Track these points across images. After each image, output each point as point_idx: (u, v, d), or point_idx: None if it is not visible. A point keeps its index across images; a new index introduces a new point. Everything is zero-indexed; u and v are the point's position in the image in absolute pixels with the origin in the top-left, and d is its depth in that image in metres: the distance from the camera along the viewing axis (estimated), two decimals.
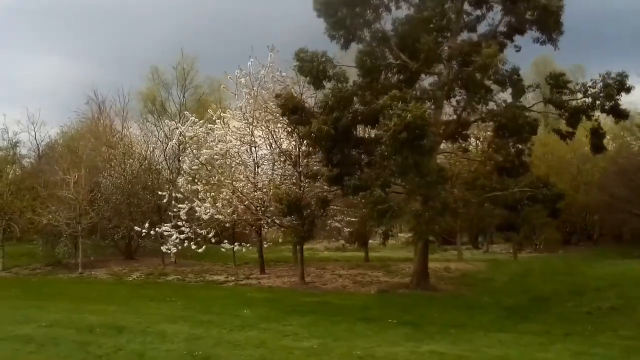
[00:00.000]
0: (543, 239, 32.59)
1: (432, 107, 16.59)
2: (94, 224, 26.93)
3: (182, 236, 21.05)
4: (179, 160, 29.18)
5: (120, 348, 10.32)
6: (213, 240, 23.12)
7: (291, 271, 24.46)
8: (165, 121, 29.78)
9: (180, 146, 29.07)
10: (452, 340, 10.70)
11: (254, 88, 21.08)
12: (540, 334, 11.50)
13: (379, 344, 10.11)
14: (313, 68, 16.62)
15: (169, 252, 21.70)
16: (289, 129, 19.30)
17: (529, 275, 20.02)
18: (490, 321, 12.93)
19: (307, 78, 17.03)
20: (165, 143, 29.34)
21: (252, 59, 21.79)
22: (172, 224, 21.71)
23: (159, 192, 25.17)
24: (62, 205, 26.26)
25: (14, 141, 34.59)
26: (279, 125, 20.65)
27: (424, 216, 14.54)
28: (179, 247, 21.51)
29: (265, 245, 24.31)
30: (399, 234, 37.52)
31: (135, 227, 23.02)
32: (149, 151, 29.24)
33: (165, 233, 21.31)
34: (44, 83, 62.24)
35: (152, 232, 22.80)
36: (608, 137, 23.74)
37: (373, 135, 17.85)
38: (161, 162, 29.73)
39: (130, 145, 30.09)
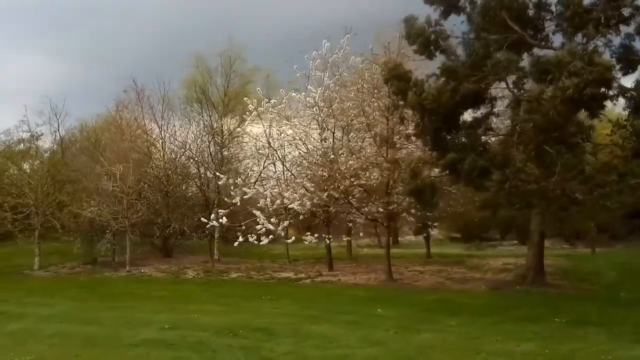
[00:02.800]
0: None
1: None
2: (142, 219, 25.05)
3: (270, 227, 19.36)
4: (221, 153, 27.57)
5: (290, 352, 8.82)
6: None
7: (358, 268, 23.04)
8: (208, 112, 28.02)
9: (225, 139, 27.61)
10: None
11: (336, 70, 19.61)
12: None
13: (611, 347, 8.68)
14: (425, 36, 15.05)
15: (258, 242, 19.93)
16: (386, 110, 17.74)
17: (634, 269, 18.83)
18: None
19: (417, 47, 15.42)
20: (210, 134, 27.57)
21: (326, 42, 20.43)
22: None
23: (219, 175, 23.46)
24: (108, 199, 24.44)
25: (37, 133, 32.39)
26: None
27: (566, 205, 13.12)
28: (270, 238, 19.86)
29: (290, 241, 22.74)
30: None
31: (202, 219, 21.21)
32: (194, 143, 27.36)
33: (258, 226, 19.61)
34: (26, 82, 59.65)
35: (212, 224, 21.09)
36: None
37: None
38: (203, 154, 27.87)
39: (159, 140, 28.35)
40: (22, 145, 34.26)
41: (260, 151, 23.27)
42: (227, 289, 18.13)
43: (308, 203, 19.72)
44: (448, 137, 15.35)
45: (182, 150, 28.81)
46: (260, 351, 8.91)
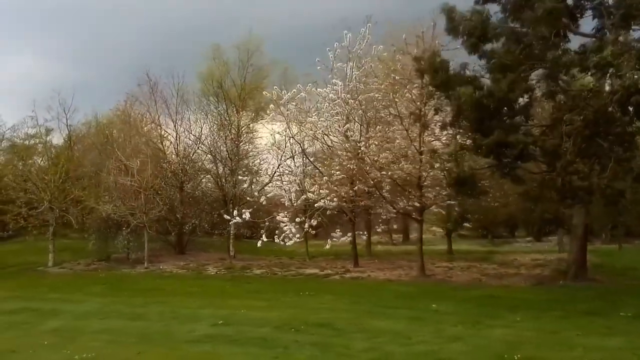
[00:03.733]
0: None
1: None
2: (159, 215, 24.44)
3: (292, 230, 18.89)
4: (237, 148, 27.04)
5: (369, 348, 8.34)
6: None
7: (382, 264, 22.58)
8: (224, 106, 27.45)
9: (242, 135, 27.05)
10: None
11: (359, 61, 19.20)
12: None
13: None
14: (473, 27, 14.58)
15: (283, 243, 19.47)
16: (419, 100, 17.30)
17: None
18: None
19: (464, 39, 14.96)
20: (227, 129, 26.96)
21: (347, 33, 20.03)
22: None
23: (240, 177, 22.96)
24: (126, 195, 23.83)
25: (48, 128, 31.73)
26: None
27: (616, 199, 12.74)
28: (298, 238, 19.39)
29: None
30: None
31: (225, 216, 20.66)
32: (209, 138, 26.78)
33: (283, 225, 19.13)
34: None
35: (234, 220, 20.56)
36: None
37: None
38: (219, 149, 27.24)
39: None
40: (32, 140, 33.83)
41: (276, 146, 22.70)
42: (258, 285, 17.63)
43: (336, 199, 19.21)
44: (492, 125, 14.93)
45: (197, 145, 28.22)
46: (333, 347, 8.45)
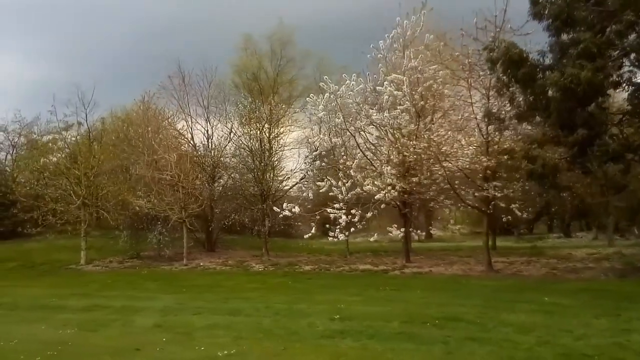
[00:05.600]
0: None
1: None
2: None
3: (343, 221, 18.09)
4: (270, 143, 26.13)
5: (542, 342, 7.59)
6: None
7: (432, 260, 21.83)
8: (260, 99, 26.53)
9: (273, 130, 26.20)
10: None
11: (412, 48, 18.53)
12: None
13: None
14: (559, 11, 13.94)
15: (336, 238, 18.68)
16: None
17: None
18: None
19: (549, 23, 14.32)
20: (265, 122, 26.00)
21: (403, 21, 19.38)
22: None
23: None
24: (165, 190, 22.89)
25: (78, 122, 30.57)
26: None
27: None
28: (347, 234, 18.59)
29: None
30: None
31: (274, 208, 19.83)
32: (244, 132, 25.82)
33: (340, 219, 18.32)
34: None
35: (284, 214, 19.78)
36: None
37: None
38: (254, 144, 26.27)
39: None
40: (51, 135, 32.70)
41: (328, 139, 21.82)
42: (323, 281, 16.87)
43: (393, 191, 18.46)
44: (580, 116, 14.32)
45: (229, 138, 27.31)
46: (496, 343, 7.72)
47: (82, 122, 26.41)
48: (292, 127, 27.23)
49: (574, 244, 28.35)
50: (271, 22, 48.98)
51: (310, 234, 19.52)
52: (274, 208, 20.26)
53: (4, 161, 34.96)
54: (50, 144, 31.94)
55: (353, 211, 19.10)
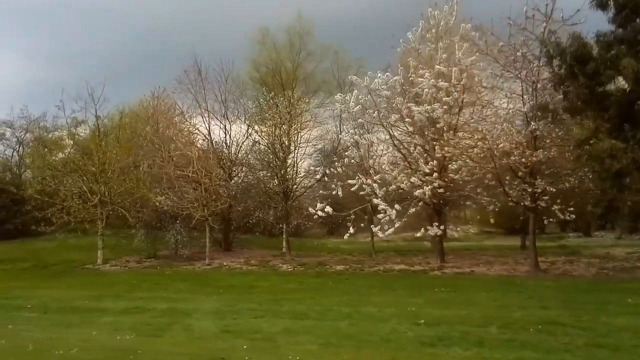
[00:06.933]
0: None
1: None
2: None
3: (392, 214, 17.18)
4: (289, 140, 25.19)
5: None
6: None
7: (465, 260, 21.02)
8: (282, 94, 25.57)
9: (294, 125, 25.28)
10: None
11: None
12: None
13: None
14: None
15: (380, 235, 17.82)
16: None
17: None
18: None
19: (615, 12, 13.55)
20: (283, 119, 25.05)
21: (434, 11, 18.62)
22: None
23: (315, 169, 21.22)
24: (187, 187, 21.95)
25: (75, 119, 29.43)
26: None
27: None
28: (391, 229, 17.70)
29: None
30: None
31: (310, 209, 18.89)
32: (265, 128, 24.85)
33: (380, 215, 17.45)
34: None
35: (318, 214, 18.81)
36: None
37: None
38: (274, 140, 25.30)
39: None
40: (58, 132, 31.64)
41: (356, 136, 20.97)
42: (363, 281, 16.00)
43: (429, 188, 17.61)
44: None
45: (247, 135, 26.36)
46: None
47: (95, 117, 25.07)
48: (313, 122, 26.21)
49: (599, 242, 27.69)
50: (284, 16, 47.46)
51: (348, 234, 18.51)
52: (310, 209, 19.20)
53: (10, 159, 33.74)
54: (60, 141, 30.90)
55: (397, 207, 18.14)
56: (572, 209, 17.46)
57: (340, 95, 19.83)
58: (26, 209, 26.66)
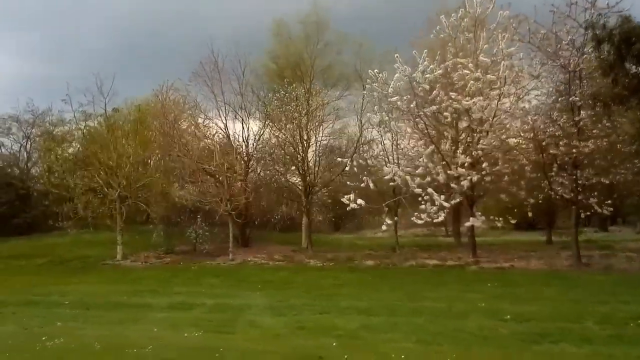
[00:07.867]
0: None
1: None
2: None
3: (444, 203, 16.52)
4: (308, 134, 24.52)
5: None
6: None
7: (497, 255, 20.46)
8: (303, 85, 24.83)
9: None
10: None
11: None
12: None
13: None
14: None
15: (430, 219, 17.12)
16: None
17: None
18: None
19: None
20: (304, 111, 24.32)
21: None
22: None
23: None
24: (210, 181, 21.32)
25: (85, 112, 28.62)
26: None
27: None
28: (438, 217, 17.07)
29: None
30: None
31: (351, 197, 18.25)
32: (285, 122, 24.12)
33: (429, 205, 16.81)
34: None
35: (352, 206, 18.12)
36: None
37: None
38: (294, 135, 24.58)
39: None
40: (66, 126, 30.90)
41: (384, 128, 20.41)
42: (402, 278, 15.46)
43: (466, 180, 17.06)
44: None
45: (264, 128, 25.65)
46: None
47: (112, 110, 24.33)
48: (335, 114, 25.56)
49: (621, 237, 27.25)
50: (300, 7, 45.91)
51: (385, 225, 17.84)
52: (342, 199, 18.55)
53: (17, 153, 32.91)
54: (68, 135, 30.14)
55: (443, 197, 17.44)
56: (610, 201, 17.03)
57: (375, 73, 18.83)
58: (35, 204, 25.91)
